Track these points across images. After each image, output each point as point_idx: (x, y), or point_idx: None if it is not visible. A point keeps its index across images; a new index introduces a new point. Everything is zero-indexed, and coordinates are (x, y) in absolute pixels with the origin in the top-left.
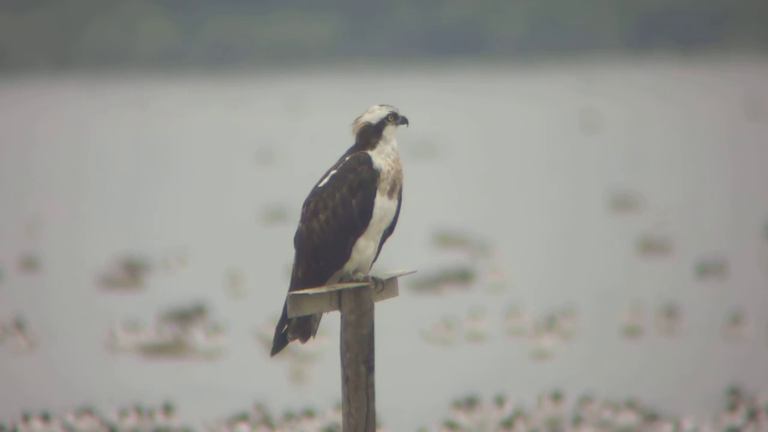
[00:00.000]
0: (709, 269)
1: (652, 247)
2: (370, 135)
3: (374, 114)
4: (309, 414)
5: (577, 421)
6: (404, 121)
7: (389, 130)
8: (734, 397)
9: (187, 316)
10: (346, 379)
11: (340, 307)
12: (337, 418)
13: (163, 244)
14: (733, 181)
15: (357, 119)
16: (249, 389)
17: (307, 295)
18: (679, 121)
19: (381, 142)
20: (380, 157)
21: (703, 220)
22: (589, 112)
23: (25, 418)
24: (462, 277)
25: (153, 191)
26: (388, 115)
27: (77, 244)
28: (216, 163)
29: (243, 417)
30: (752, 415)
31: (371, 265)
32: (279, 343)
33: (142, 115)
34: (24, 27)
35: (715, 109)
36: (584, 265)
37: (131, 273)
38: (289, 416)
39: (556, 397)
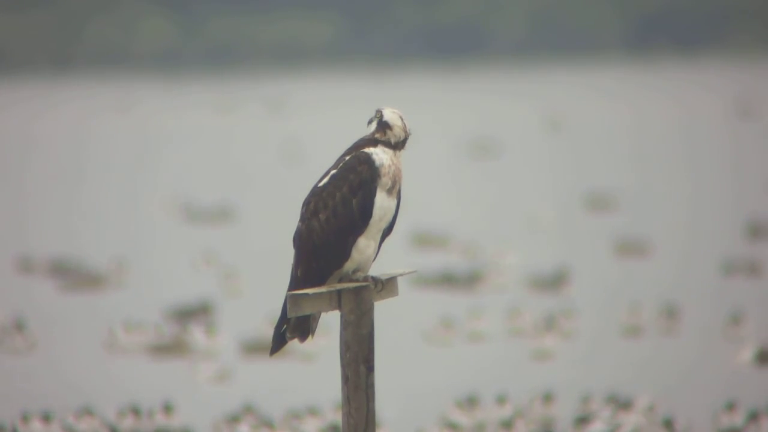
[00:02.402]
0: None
1: (644, 246)
2: (405, 143)
3: (398, 115)
4: (310, 413)
5: (577, 421)
6: None
7: None
8: (614, 403)
9: (191, 314)
10: (345, 379)
11: (339, 306)
12: (337, 418)
13: (161, 243)
14: (719, 180)
15: (405, 126)
16: (248, 388)
17: (306, 294)
18: (676, 121)
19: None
20: (386, 154)
21: (691, 219)
22: (586, 113)
23: (25, 418)
24: (450, 277)
25: (152, 190)
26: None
27: (76, 243)
28: (215, 161)
29: (235, 418)
30: (753, 417)
31: (371, 265)
32: (278, 343)
33: (141, 115)
34: (24, 27)
35: (711, 109)
36: (584, 263)
37: (128, 271)
38: (290, 415)
39: (547, 398)
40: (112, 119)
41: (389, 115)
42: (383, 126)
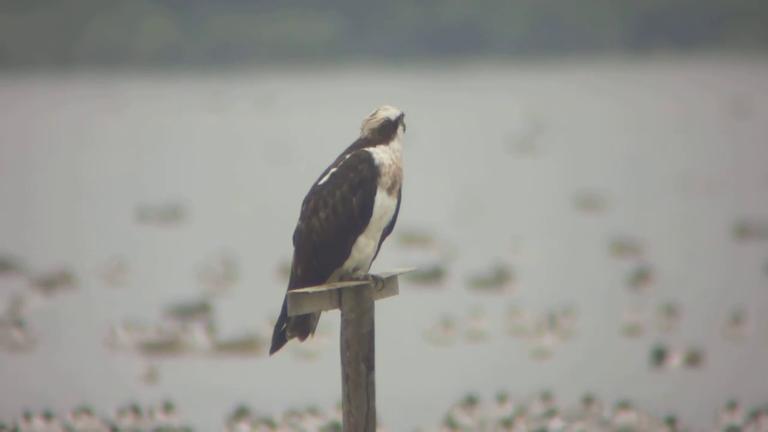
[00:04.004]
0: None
1: (638, 246)
2: (389, 131)
3: (390, 112)
4: (310, 412)
5: (577, 420)
6: (404, 127)
7: (400, 130)
8: (495, 400)
9: (190, 312)
10: (346, 378)
11: (340, 305)
12: (337, 416)
13: (158, 242)
14: (713, 179)
15: (373, 115)
16: (248, 388)
17: (306, 293)
18: (674, 120)
19: (396, 139)
20: (386, 153)
21: (683, 219)
22: (584, 111)
23: (27, 416)
24: (437, 275)
25: (151, 190)
26: (401, 115)
27: (75, 243)
28: (216, 160)
29: (235, 417)
30: (753, 416)
31: (371, 264)
32: (278, 342)
33: (135, 115)
34: (25, 26)
35: (709, 108)
36: (584, 263)
37: (128, 269)
38: (290, 414)
39: (547, 397)
40: (106, 119)
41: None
42: (361, 127)
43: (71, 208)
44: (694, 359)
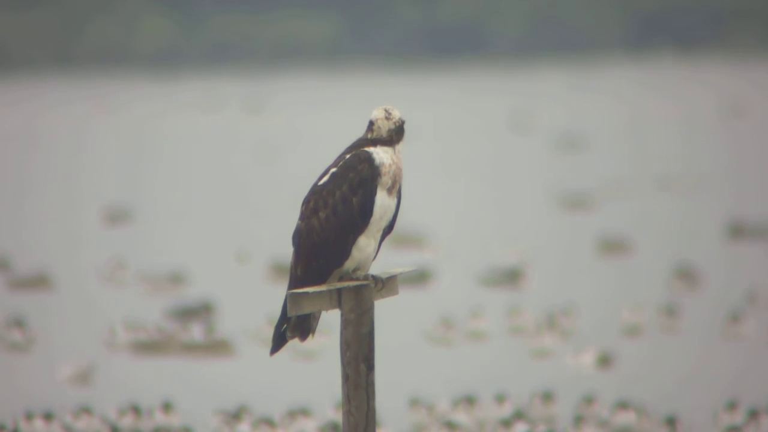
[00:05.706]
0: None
1: (627, 245)
2: (402, 132)
3: (398, 113)
4: (310, 412)
5: (578, 420)
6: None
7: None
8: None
9: (193, 313)
10: (346, 378)
11: (340, 305)
12: (337, 416)
13: (157, 242)
14: (707, 179)
15: (388, 115)
16: (248, 387)
17: (306, 293)
18: (672, 119)
19: (402, 141)
20: (387, 153)
21: (677, 218)
22: (585, 112)
23: (28, 417)
24: (437, 275)
25: (151, 189)
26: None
27: (76, 243)
28: (216, 160)
29: (235, 416)
30: (753, 415)
31: (371, 264)
32: (278, 342)
33: (131, 115)
34: (25, 25)
35: (708, 108)
36: (584, 263)
37: (125, 269)
38: (290, 414)
39: (547, 397)
40: (104, 119)
41: (374, 112)
42: (370, 124)
43: (68, 207)
44: (604, 360)
